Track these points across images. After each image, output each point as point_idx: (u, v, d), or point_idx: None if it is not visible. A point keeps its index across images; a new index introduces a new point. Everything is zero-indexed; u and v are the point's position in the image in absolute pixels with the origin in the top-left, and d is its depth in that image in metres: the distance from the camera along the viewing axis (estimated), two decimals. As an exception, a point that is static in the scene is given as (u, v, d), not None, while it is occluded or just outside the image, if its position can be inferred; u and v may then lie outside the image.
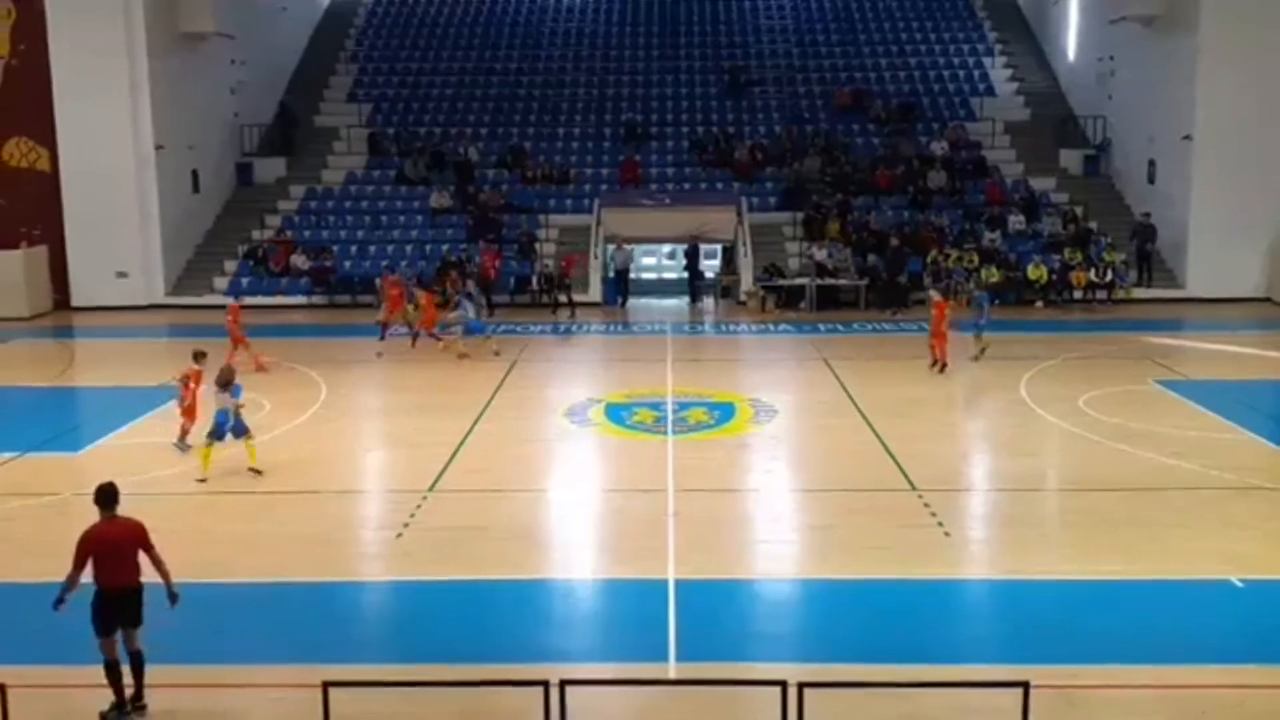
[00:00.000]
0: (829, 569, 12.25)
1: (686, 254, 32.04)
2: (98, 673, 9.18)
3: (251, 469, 15.29)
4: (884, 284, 29.18)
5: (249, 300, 29.50)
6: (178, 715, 9.25)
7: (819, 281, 29.66)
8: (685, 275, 31.94)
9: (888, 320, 27.64)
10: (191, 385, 16.31)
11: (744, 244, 31.12)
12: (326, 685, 7.89)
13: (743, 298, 30.36)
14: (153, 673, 9.60)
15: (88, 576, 9.09)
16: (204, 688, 9.58)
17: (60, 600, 9.03)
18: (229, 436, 15.35)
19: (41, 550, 12.81)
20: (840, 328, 27.01)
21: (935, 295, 21.65)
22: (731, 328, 27.96)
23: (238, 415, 15.36)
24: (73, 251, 30.11)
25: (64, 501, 14.56)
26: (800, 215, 32.18)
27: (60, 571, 11.64)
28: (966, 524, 13.77)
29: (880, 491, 14.59)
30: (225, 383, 15.41)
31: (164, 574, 9.22)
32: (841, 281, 29.89)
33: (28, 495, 14.72)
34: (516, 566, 12.14)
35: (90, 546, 9.05)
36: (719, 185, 33.75)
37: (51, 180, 29.98)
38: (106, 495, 9.29)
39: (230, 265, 31.56)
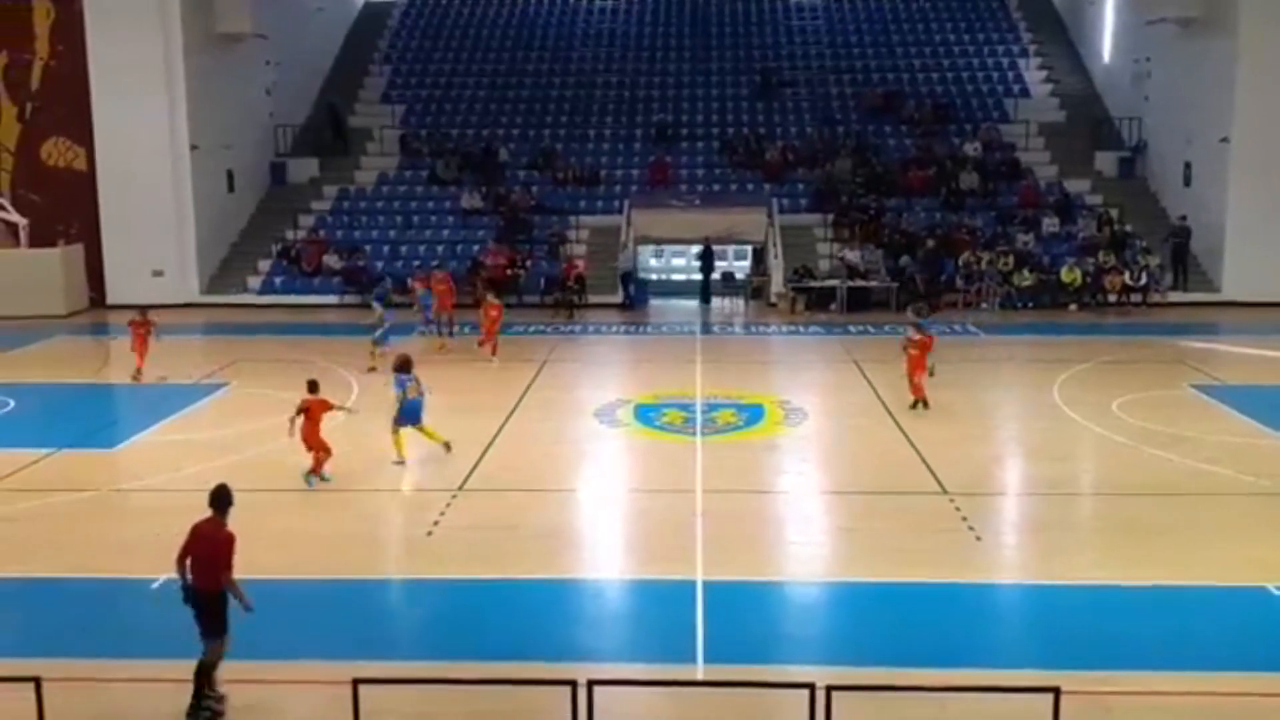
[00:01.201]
0: (858, 571, 12.20)
1: (701, 255, 32.02)
2: (136, 667, 9.30)
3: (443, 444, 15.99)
4: (919, 286, 29.00)
5: (283, 300, 29.89)
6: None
7: (850, 283, 29.55)
8: (700, 276, 31.88)
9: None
10: (312, 416, 15.00)
11: (774, 245, 31.05)
12: (356, 682, 7.95)
13: (773, 299, 30.30)
14: (181, 667, 9.72)
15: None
16: (236, 683, 9.65)
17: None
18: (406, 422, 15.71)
19: (76, 546, 13.00)
20: (871, 329, 26.90)
21: (914, 333, 18.71)
22: (761, 329, 27.91)
23: (415, 399, 15.76)
24: (109, 250, 30.45)
25: (100, 498, 14.76)
26: (831, 216, 32.08)
27: (95, 567, 11.86)
28: (998, 528, 13.67)
29: (910, 494, 14.53)
30: (401, 368, 15.83)
31: (233, 589, 9.17)
32: (872, 283, 29.77)
33: (64, 491, 14.90)
34: (545, 566, 12.18)
35: (190, 544, 9.21)
36: (749, 186, 33.68)
37: (88, 179, 30.34)
38: (216, 497, 9.33)
39: (264, 264, 31.81)
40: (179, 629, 9.33)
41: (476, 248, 31.28)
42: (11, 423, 18.91)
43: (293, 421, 14.69)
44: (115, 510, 14.48)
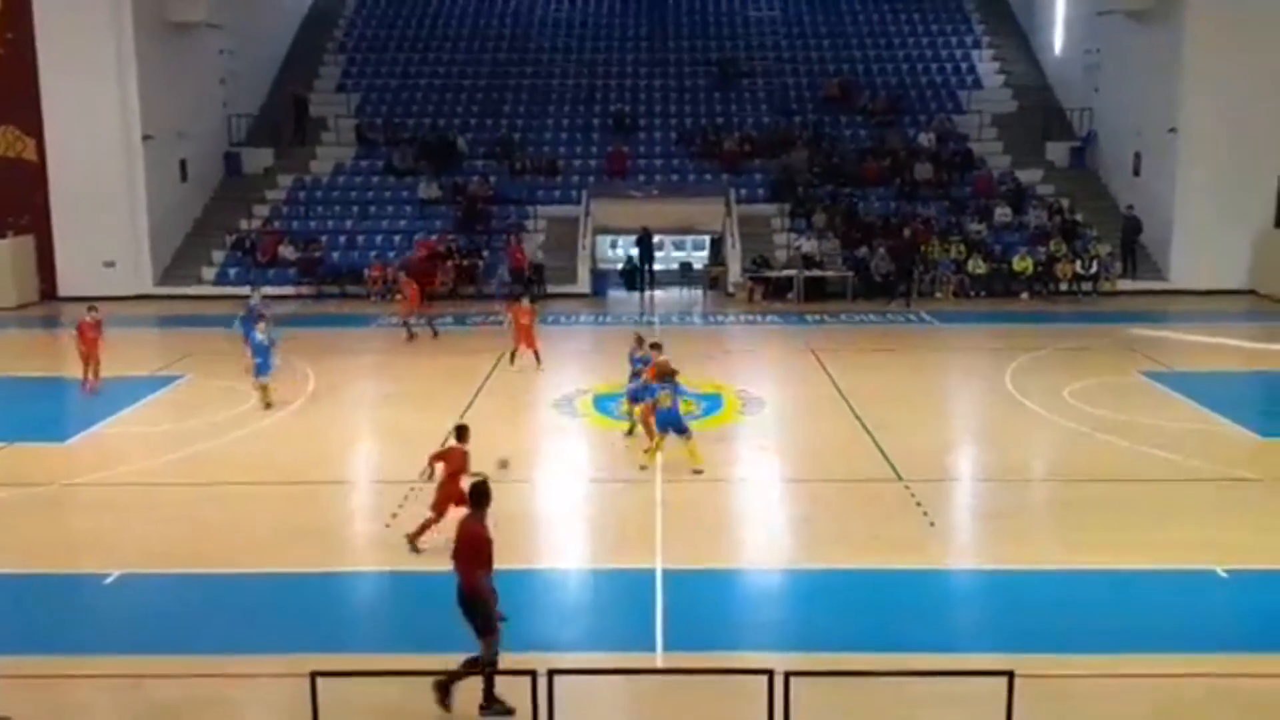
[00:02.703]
0: (816, 559, 12.32)
1: (638, 243, 32.06)
2: (92, 663, 9.19)
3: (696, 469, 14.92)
4: (892, 277, 29.24)
5: (238, 291, 29.53)
6: (169, 704, 9.25)
7: (806, 273, 29.73)
8: (637, 265, 31.88)
9: (877, 311, 27.72)
10: (451, 467, 12.46)
11: (732, 235, 31.15)
12: (315, 675, 7.92)
13: (731, 289, 30.42)
14: (142, 662, 9.65)
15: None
16: (194, 677, 9.59)
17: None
18: (670, 432, 15.12)
19: (28, 542, 12.82)
20: (828, 318, 27.11)
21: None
22: (720, 319, 28.03)
23: (669, 409, 15.02)
24: (59, 241, 29.96)
25: (52, 492, 14.56)
26: (788, 207, 32.24)
27: (48, 562, 11.68)
28: (952, 514, 13.86)
29: (867, 482, 14.68)
30: (664, 375, 15.25)
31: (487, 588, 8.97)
32: (829, 273, 29.96)
33: (16, 485, 14.68)
34: (505, 556, 12.06)
35: (456, 540, 9.10)
36: (707, 176, 33.75)
37: (38, 169, 29.81)
38: (475, 494, 9.16)
39: (218, 255, 31.46)
40: (134, 623, 9.26)
41: (434, 237, 31.11)
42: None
43: (431, 466, 12.55)
44: (68, 505, 14.29)
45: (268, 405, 18.26)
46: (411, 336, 24.24)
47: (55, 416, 18.77)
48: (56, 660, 9.80)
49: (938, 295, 29.59)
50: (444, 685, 8.83)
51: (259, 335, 18.57)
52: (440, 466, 12.36)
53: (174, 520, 13.52)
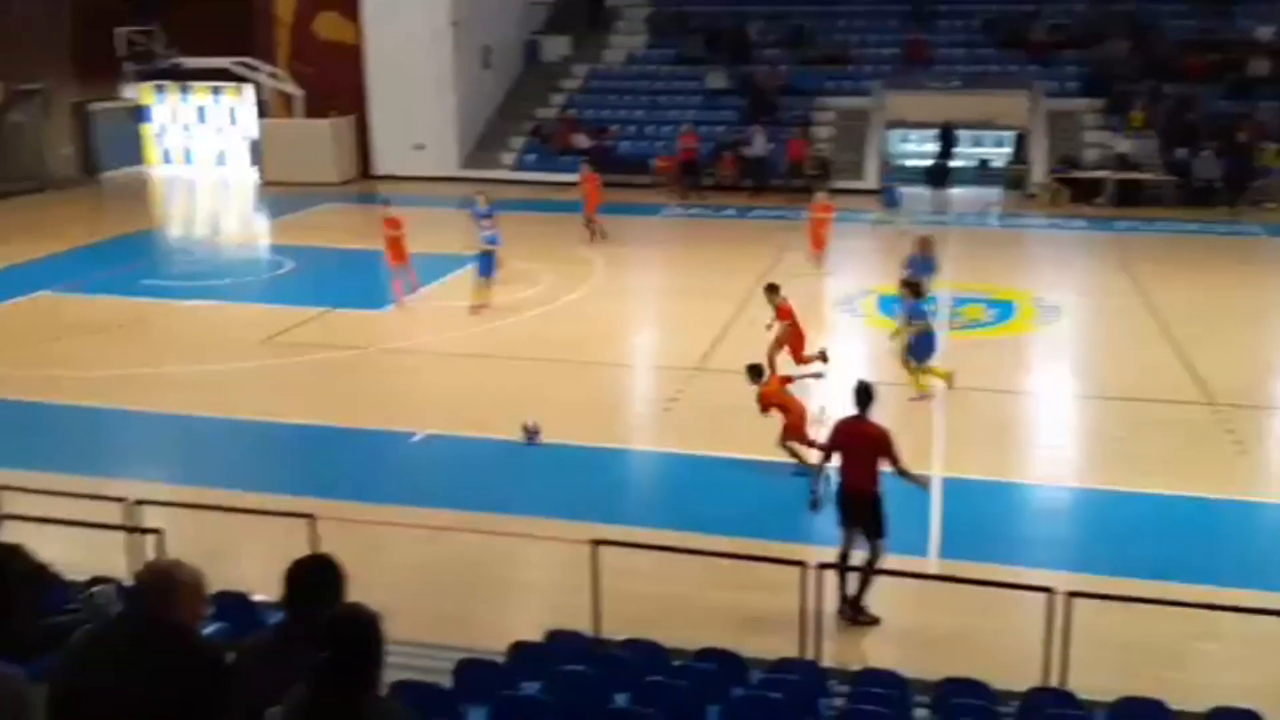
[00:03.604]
0: (1106, 479, 11.67)
1: (940, 138, 30.53)
2: (394, 511, 10.05)
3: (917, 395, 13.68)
4: (1217, 183, 26.74)
5: (534, 177, 30.66)
6: (463, 555, 10.01)
7: (1119, 175, 27.57)
8: (938, 161, 30.42)
9: (1198, 221, 25.39)
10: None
11: (1037, 132, 29.28)
12: (595, 543, 8.33)
13: (1032, 190, 28.72)
14: (441, 515, 10.45)
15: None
16: (485, 534, 10.30)
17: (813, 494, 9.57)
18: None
19: (348, 399, 14.07)
20: (1141, 225, 25.11)
21: None
22: (1018, 221, 26.55)
23: (923, 334, 13.78)
24: (375, 123, 32.01)
25: (368, 355, 15.87)
26: (1102, 103, 29.85)
27: (365, 419, 12.76)
28: (1266, 443, 12.72)
29: (1169, 403, 13.68)
30: (918, 294, 14.08)
31: (904, 474, 8.88)
32: (1145, 176, 27.67)
33: (337, 348, 16.08)
34: (776, 450, 12.24)
35: (836, 439, 9.05)
36: (1013, 68, 31.71)
37: (357, 53, 31.75)
38: (861, 394, 9.05)
39: (517, 142, 32.68)
40: (435, 480, 10.02)
41: (721, 128, 31.01)
42: (289, 283, 20.52)
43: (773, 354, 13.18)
44: (380, 368, 15.53)
45: (481, 307, 17.50)
46: (594, 235, 23.47)
47: (371, 286, 20.29)
48: (369, 507, 10.76)
49: (1268, 206, 26.76)
50: (855, 603, 8.81)
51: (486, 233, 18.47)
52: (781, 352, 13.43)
53: (472, 388, 14.46)
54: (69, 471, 11.05)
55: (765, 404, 11.66)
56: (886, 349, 14.53)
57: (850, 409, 9.16)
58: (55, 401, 13.84)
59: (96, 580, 5.93)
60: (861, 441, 8.88)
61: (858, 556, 8.94)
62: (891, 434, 8.92)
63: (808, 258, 20.73)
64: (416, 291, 18.60)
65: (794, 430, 11.47)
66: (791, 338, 13.93)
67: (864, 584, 8.83)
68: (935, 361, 13.90)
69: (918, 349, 13.65)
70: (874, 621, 8.86)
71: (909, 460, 9.03)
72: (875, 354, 16.18)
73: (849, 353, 16.40)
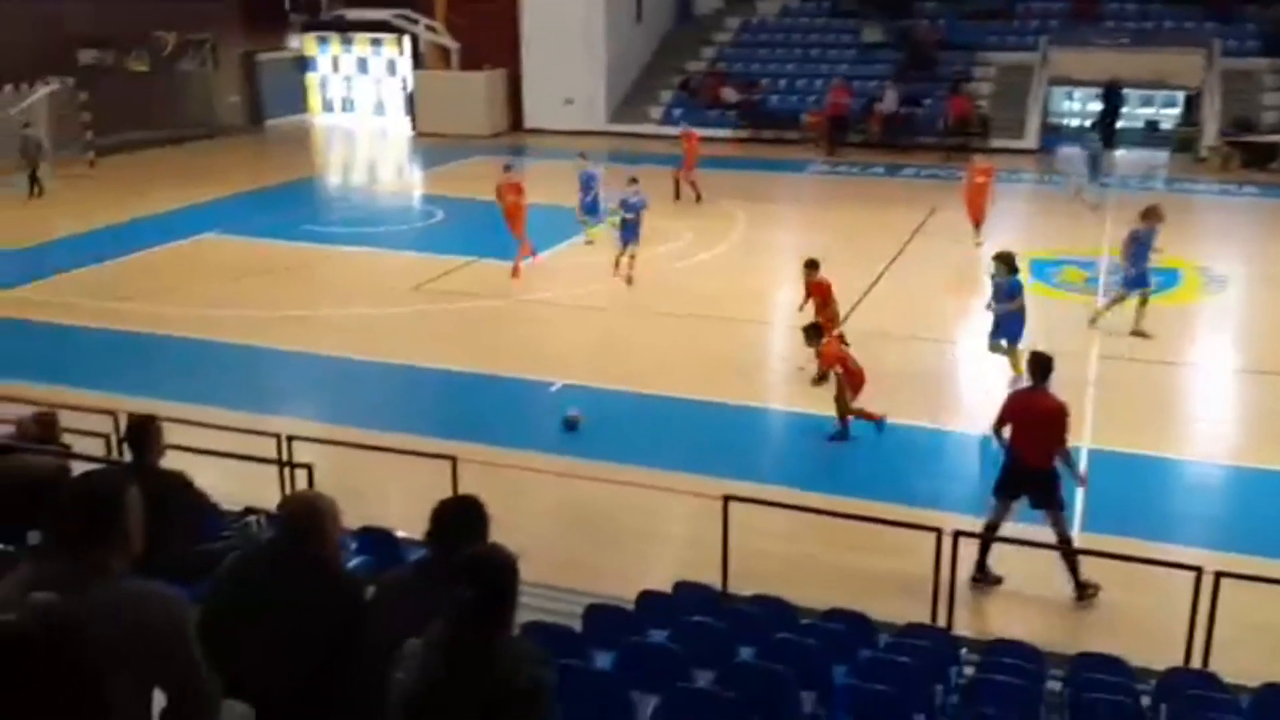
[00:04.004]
0: (1265, 458, 11.10)
1: (1103, 96, 29.06)
2: (531, 458, 10.24)
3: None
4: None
5: (678, 131, 30.49)
6: (595, 503, 10.19)
7: (1299, 139, 25.93)
8: (1099, 121, 28.96)
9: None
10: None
11: (1211, 92, 27.70)
12: (727, 499, 8.36)
13: (1203, 153, 27.23)
14: (576, 464, 10.64)
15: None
16: (617, 483, 10.44)
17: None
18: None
19: (490, 347, 14.42)
20: (1320, 193, 23.63)
21: None
22: (1186, 185, 25.24)
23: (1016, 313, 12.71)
24: (527, 76, 32.36)
25: (510, 305, 16.18)
26: (1286, 61, 28.04)
27: (496, 365, 13.07)
28: None
29: (1344, 382, 12.90)
30: (1012, 266, 12.75)
31: (1065, 460, 8.73)
32: (1329, 140, 25.96)
33: (481, 297, 16.45)
34: (913, 414, 12.04)
35: (1011, 411, 8.81)
36: (1187, 24, 30.01)
37: (513, 7, 32.08)
38: (1041, 365, 8.74)
39: (665, 95, 32.58)
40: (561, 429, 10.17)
41: (874, 83, 30.31)
42: (439, 232, 21.04)
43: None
44: (522, 318, 15.82)
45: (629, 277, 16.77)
46: (679, 195, 22.72)
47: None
48: (508, 452, 11.01)
49: None
50: (1080, 584, 8.56)
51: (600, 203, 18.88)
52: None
53: (609, 341, 14.63)
54: (228, 406, 11.63)
55: (827, 363, 11.67)
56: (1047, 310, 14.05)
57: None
58: (218, 339, 14.56)
59: (250, 510, 6.26)
60: (1038, 415, 8.58)
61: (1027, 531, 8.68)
62: (1068, 411, 8.59)
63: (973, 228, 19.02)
64: (535, 258, 17.73)
65: (854, 390, 11.42)
66: (824, 317, 12.82)
67: (1073, 565, 8.51)
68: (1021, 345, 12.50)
69: (1009, 327, 12.67)
70: (998, 580, 8.69)
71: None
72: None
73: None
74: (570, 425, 11.65)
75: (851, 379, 11.46)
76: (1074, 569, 8.55)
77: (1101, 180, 22.89)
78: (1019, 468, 8.70)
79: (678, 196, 22.55)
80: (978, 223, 18.90)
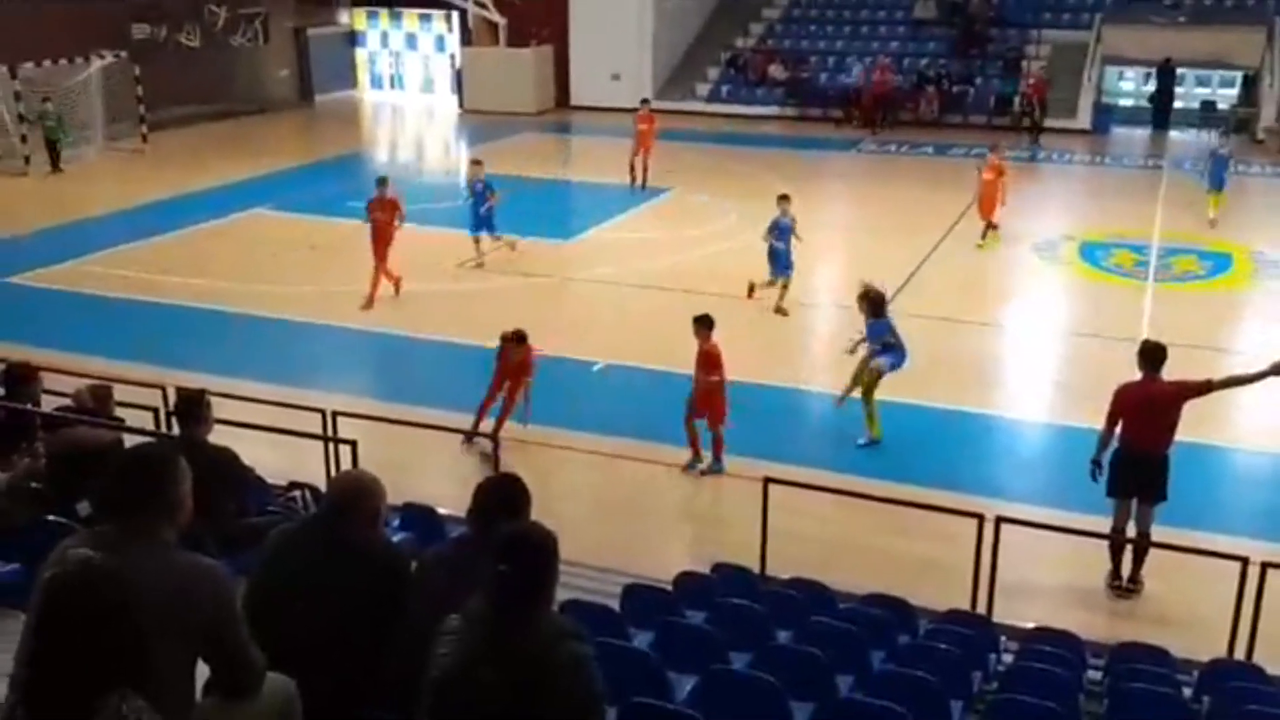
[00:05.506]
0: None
1: (1158, 75, 28.48)
2: (585, 441, 10.26)
3: None
4: None
5: (727, 109, 30.33)
6: (636, 481, 10.21)
7: (1363, 121, 25.30)
8: (1155, 102, 28.44)
9: None
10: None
11: (1271, 72, 27.08)
12: (767, 481, 8.37)
13: (1261, 135, 26.65)
14: (617, 444, 10.66)
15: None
16: (656, 464, 10.46)
17: (1095, 462, 8.57)
18: None
19: (533, 326, 14.43)
20: (1381, 177, 23.08)
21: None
22: (1243, 168, 24.69)
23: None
24: (574, 52, 32.27)
25: (554, 284, 16.22)
26: (1351, 41, 27.37)
27: (539, 343, 13.01)
28: None
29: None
30: (878, 309, 11.11)
31: (1242, 380, 8.82)
32: (1393, 122, 25.31)
33: (525, 275, 16.50)
34: (961, 397, 11.95)
35: (1122, 404, 8.52)
36: (1248, 2, 29.34)
37: (561, -19, 31.98)
38: (1151, 354, 8.49)
39: (713, 72, 32.39)
40: (612, 409, 10.19)
41: (924, 61, 29.95)
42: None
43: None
44: (565, 296, 15.86)
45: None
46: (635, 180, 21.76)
47: (561, 216, 20.68)
48: (550, 431, 11.05)
49: None
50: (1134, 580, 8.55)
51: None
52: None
53: (653, 321, 14.60)
54: (274, 382, 11.77)
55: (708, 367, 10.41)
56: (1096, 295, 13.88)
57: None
58: (264, 314, 14.73)
59: (295, 485, 6.36)
60: (1158, 403, 8.37)
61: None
62: (1183, 382, 8.45)
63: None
64: (396, 289, 15.28)
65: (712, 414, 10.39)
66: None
67: (1142, 557, 8.46)
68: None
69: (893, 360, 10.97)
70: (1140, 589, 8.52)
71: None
72: (1068, 300, 15.51)
73: (1041, 297, 15.78)
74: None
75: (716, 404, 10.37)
76: (1141, 563, 8.45)
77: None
78: (1135, 458, 8.40)
79: (636, 183, 21.67)
80: (988, 221, 17.70)
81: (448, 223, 19.79)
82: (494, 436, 10.09)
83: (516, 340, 10.79)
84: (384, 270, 15.04)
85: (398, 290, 15.13)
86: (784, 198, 14.93)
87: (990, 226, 17.76)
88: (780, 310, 14.71)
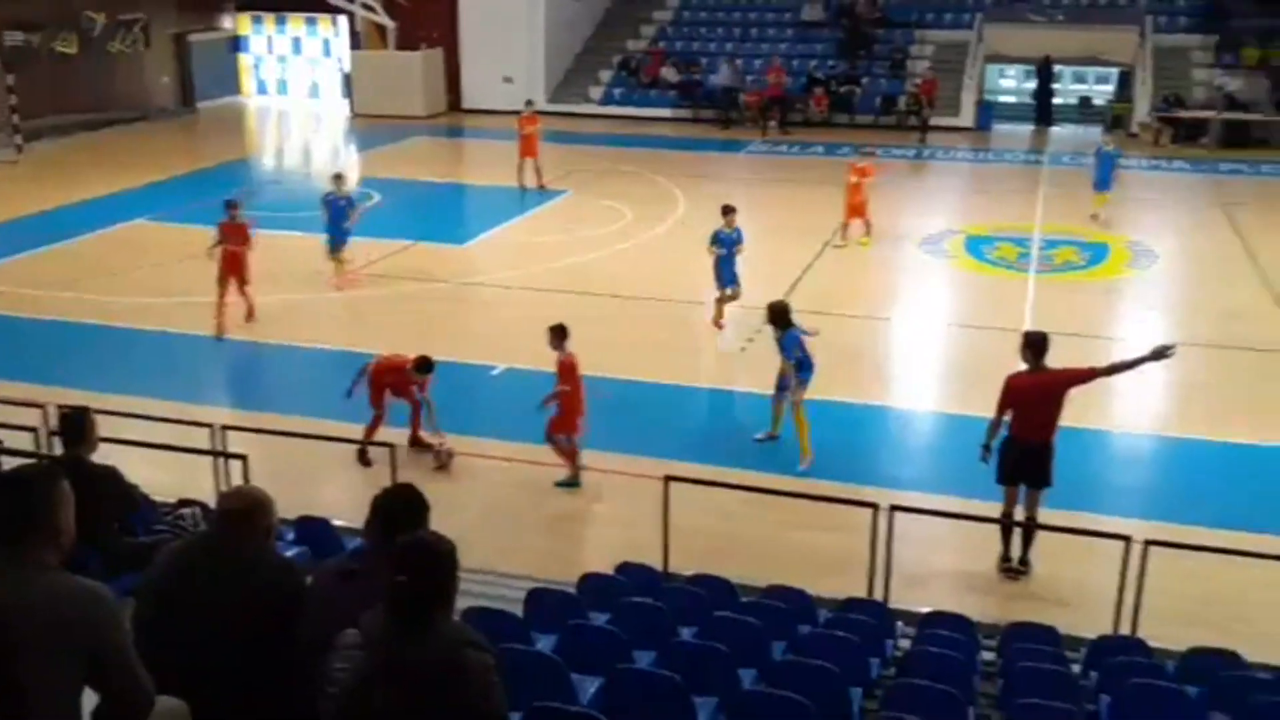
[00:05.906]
0: (1191, 428, 11.42)
1: (1038, 73, 29.54)
2: (481, 444, 10.23)
3: None
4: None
5: (620, 111, 30.41)
6: (537, 483, 10.19)
7: (1227, 115, 26.46)
8: (1035, 99, 29.47)
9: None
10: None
11: (1143, 69, 28.20)
12: (667, 479, 8.42)
13: (1135, 129, 27.74)
14: (515, 448, 10.61)
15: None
16: (557, 466, 10.45)
17: (985, 446, 8.70)
18: None
19: (427, 331, 14.32)
20: (1245, 169, 24.18)
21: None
22: (1119, 161, 25.66)
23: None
24: (465, 55, 31.99)
25: (450, 289, 16.07)
26: (1215, 39, 28.59)
27: (436, 349, 12.91)
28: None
29: (1268, 352, 13.25)
30: (782, 319, 10.83)
31: (1129, 365, 9.00)
32: (1254, 116, 26.52)
33: (421, 280, 16.32)
34: (852, 391, 12.19)
35: (1012, 393, 8.67)
36: (1120, 1, 30.51)
37: (450, -17, 31.66)
38: (1036, 344, 8.69)
39: (605, 75, 32.43)
40: (512, 413, 10.15)
41: (813, 62, 30.45)
42: (376, 215, 20.71)
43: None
44: (462, 301, 15.73)
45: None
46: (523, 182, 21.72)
47: (455, 220, 20.50)
48: (449, 438, 10.94)
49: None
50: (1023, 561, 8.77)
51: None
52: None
53: (550, 323, 14.53)
54: (159, 396, 11.44)
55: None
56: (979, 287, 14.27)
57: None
58: (148, 328, 14.30)
59: (184, 502, 6.19)
60: (1044, 392, 8.58)
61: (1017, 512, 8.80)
62: (1069, 370, 8.68)
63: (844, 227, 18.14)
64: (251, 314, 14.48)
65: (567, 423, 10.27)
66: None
67: (1030, 539, 8.71)
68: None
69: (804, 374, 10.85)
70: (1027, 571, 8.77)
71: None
72: (953, 294, 15.93)
73: (927, 292, 16.18)
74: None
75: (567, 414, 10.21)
76: (1029, 545, 8.74)
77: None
78: (1022, 449, 8.62)
79: (528, 186, 21.61)
80: (854, 221, 17.93)
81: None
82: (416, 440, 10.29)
83: (420, 369, 10.55)
84: (246, 292, 14.28)
85: (250, 316, 14.36)
86: (728, 210, 14.44)
87: (853, 226, 17.95)
88: (718, 323, 14.36)
